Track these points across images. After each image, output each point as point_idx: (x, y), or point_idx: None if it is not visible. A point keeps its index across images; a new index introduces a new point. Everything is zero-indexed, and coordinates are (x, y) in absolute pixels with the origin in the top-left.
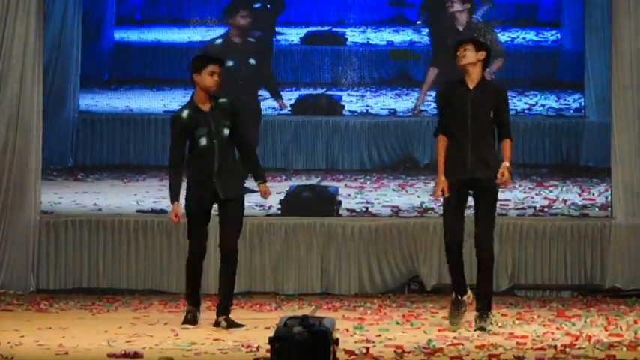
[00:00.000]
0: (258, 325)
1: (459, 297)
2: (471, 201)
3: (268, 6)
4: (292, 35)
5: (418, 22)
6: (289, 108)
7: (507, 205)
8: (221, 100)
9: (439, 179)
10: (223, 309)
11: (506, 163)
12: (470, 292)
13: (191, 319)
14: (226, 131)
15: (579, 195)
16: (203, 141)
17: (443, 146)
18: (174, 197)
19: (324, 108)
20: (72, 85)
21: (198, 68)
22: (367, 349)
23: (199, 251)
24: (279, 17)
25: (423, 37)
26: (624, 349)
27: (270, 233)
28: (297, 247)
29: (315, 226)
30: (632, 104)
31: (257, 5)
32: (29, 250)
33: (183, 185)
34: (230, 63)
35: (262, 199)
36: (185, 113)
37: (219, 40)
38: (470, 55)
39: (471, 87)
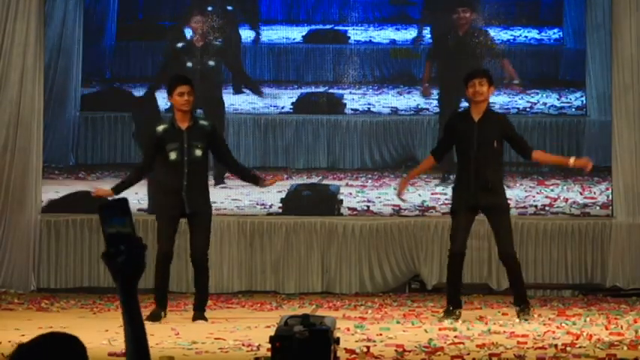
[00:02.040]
0: (258, 325)
1: (451, 308)
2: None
3: (228, 7)
4: (294, 33)
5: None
6: (291, 106)
7: (509, 204)
8: (201, 122)
9: (402, 180)
10: (199, 312)
11: (571, 159)
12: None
13: (152, 318)
14: (198, 152)
15: (580, 193)
16: (172, 155)
17: (425, 164)
18: (116, 186)
19: (326, 107)
20: (73, 84)
21: (169, 91)
22: (368, 348)
23: (167, 252)
24: (280, 15)
25: (425, 36)
26: (625, 348)
27: (271, 232)
28: (298, 247)
29: (316, 226)
30: (633, 104)
31: (210, 8)
32: (30, 249)
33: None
34: (189, 64)
35: (263, 198)
36: (162, 128)
37: (181, 44)
38: (485, 91)
39: (476, 119)
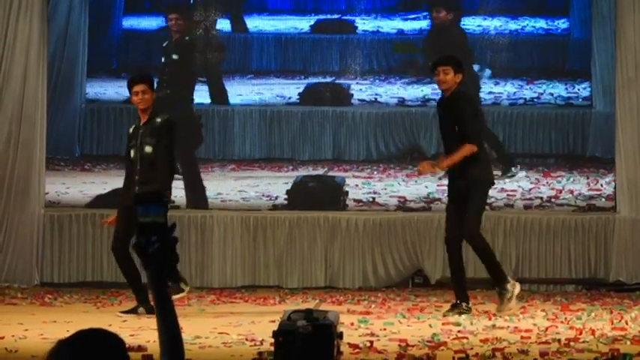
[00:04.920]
0: (262, 319)
1: (458, 302)
2: None
3: (190, 0)
4: (302, 23)
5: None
6: (297, 97)
7: (514, 196)
8: (157, 118)
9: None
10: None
11: (441, 162)
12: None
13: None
14: (148, 149)
15: (587, 185)
16: (132, 153)
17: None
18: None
19: (332, 97)
20: (79, 75)
21: (128, 91)
22: (371, 342)
23: (114, 247)
24: (285, 5)
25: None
26: (628, 342)
27: (274, 227)
28: (301, 241)
29: (320, 220)
30: (637, 98)
31: (191, 1)
32: (33, 244)
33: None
34: (162, 60)
35: (269, 190)
36: (132, 128)
37: (166, 42)
38: (449, 80)
39: (443, 105)
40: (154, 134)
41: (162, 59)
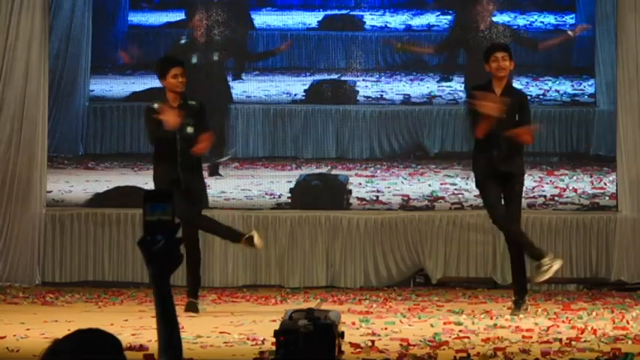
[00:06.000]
0: (263, 319)
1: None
2: None
3: None
4: (310, 19)
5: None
6: (303, 94)
7: (523, 182)
8: (190, 101)
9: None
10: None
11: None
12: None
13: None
14: (190, 129)
15: (590, 183)
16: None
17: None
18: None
19: (338, 94)
20: (83, 73)
21: (162, 73)
22: (373, 342)
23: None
24: (294, 1)
25: (440, 21)
26: (630, 342)
27: (276, 226)
28: (303, 241)
29: (321, 219)
30: (638, 97)
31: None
32: (34, 243)
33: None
34: (194, 60)
35: (272, 188)
36: (156, 105)
37: (184, 40)
38: (507, 66)
39: (497, 92)
40: (194, 116)
41: (195, 59)
